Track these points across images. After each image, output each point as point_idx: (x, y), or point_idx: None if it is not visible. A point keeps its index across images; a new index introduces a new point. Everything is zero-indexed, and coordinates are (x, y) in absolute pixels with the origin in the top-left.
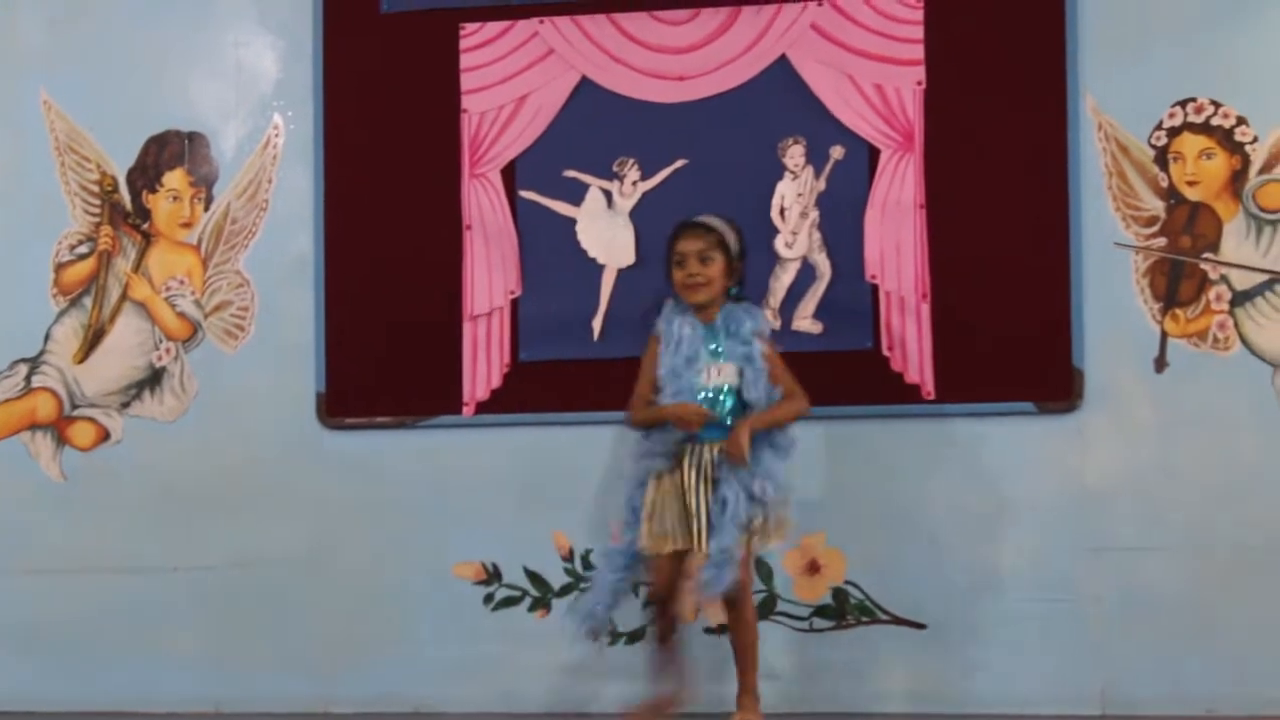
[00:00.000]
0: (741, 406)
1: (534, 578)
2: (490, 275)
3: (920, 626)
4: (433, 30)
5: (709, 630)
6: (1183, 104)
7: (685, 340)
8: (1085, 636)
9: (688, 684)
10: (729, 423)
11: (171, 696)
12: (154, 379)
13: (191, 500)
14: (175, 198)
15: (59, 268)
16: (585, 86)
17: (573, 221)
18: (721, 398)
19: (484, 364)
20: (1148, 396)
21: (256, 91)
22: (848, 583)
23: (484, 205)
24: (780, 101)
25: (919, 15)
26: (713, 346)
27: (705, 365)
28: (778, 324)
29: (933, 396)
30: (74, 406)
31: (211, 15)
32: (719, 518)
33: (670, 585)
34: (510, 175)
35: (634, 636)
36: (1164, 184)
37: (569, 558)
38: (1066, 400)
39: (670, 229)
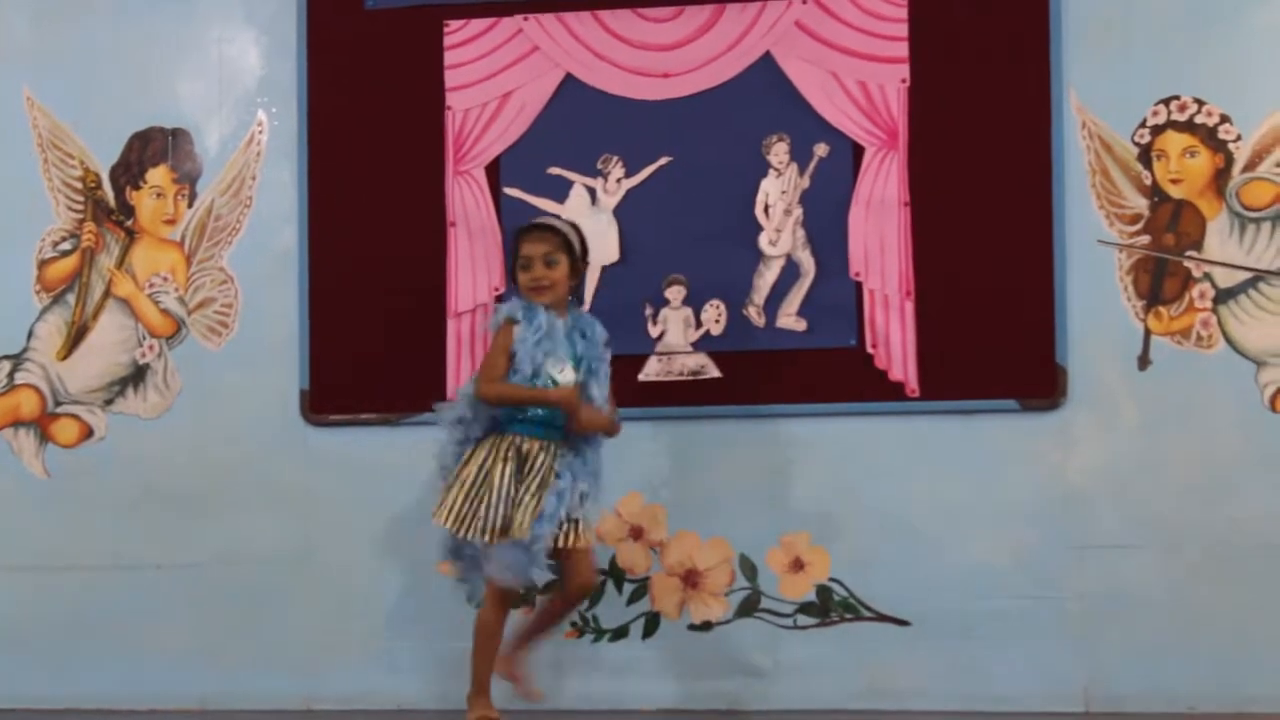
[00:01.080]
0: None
1: None
2: (474, 272)
3: (904, 624)
4: (417, 27)
5: (693, 627)
6: (1166, 102)
7: (550, 335)
8: (1069, 633)
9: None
10: (560, 421)
11: (156, 693)
12: (137, 376)
13: (175, 497)
14: (159, 194)
15: (42, 264)
16: (569, 84)
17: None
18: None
19: (468, 361)
20: (1131, 394)
21: (240, 88)
22: (832, 580)
23: (468, 202)
24: (764, 99)
25: (903, 13)
26: (572, 346)
27: (560, 362)
28: (761, 321)
29: (917, 394)
30: (57, 403)
31: (195, 11)
32: (545, 508)
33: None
34: (494, 172)
35: (617, 634)
36: (1148, 182)
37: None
38: (1050, 398)
39: (516, 232)
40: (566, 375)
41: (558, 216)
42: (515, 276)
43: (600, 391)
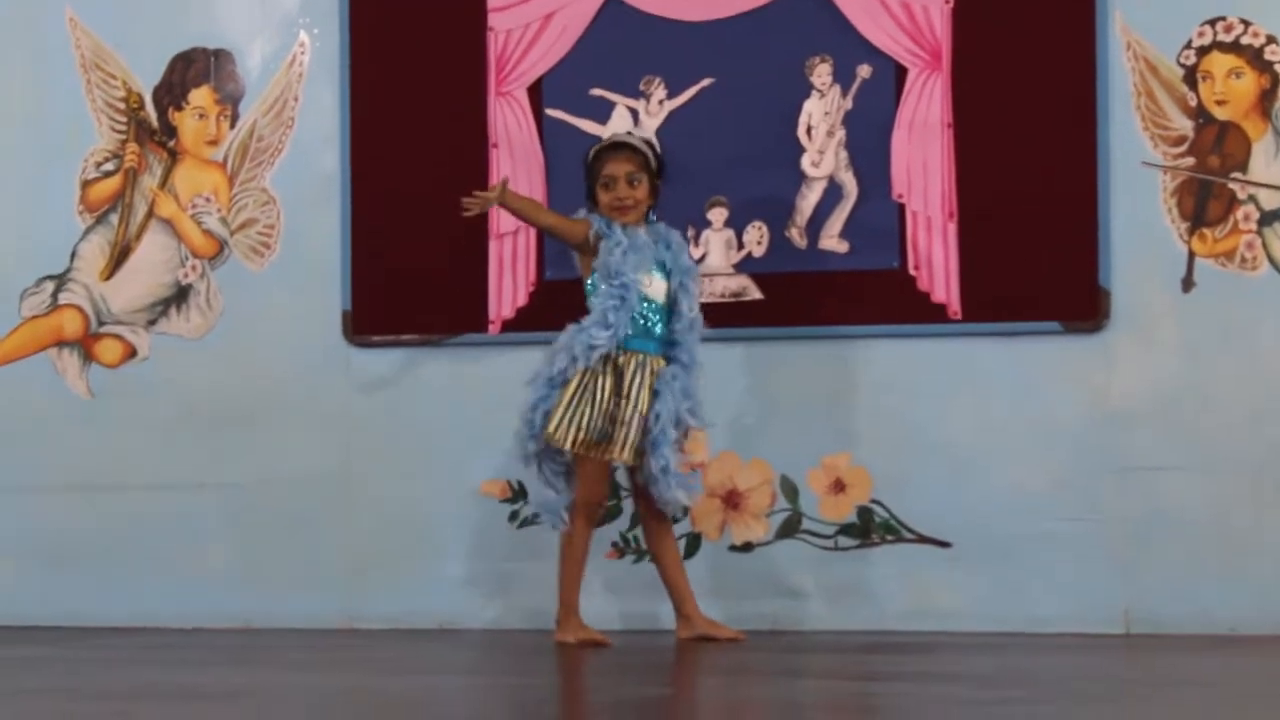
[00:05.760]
0: (668, 320)
1: None
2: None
3: (945, 545)
4: None
5: (734, 549)
6: (1212, 23)
7: (636, 246)
8: (1110, 556)
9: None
10: (661, 334)
11: (200, 612)
12: (180, 296)
13: (218, 417)
14: (201, 115)
15: (85, 185)
16: (611, 4)
17: (599, 140)
18: (654, 310)
19: (510, 283)
20: (1175, 316)
21: (282, 8)
22: (873, 501)
23: (510, 123)
24: (807, 20)
25: None
26: (662, 259)
27: (648, 275)
28: (804, 243)
29: (959, 316)
30: (100, 323)
31: None
32: (653, 432)
33: (606, 489)
34: (536, 93)
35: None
36: (1192, 103)
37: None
38: (1093, 320)
39: (592, 150)
40: (656, 287)
41: (630, 134)
42: (594, 195)
43: (689, 303)
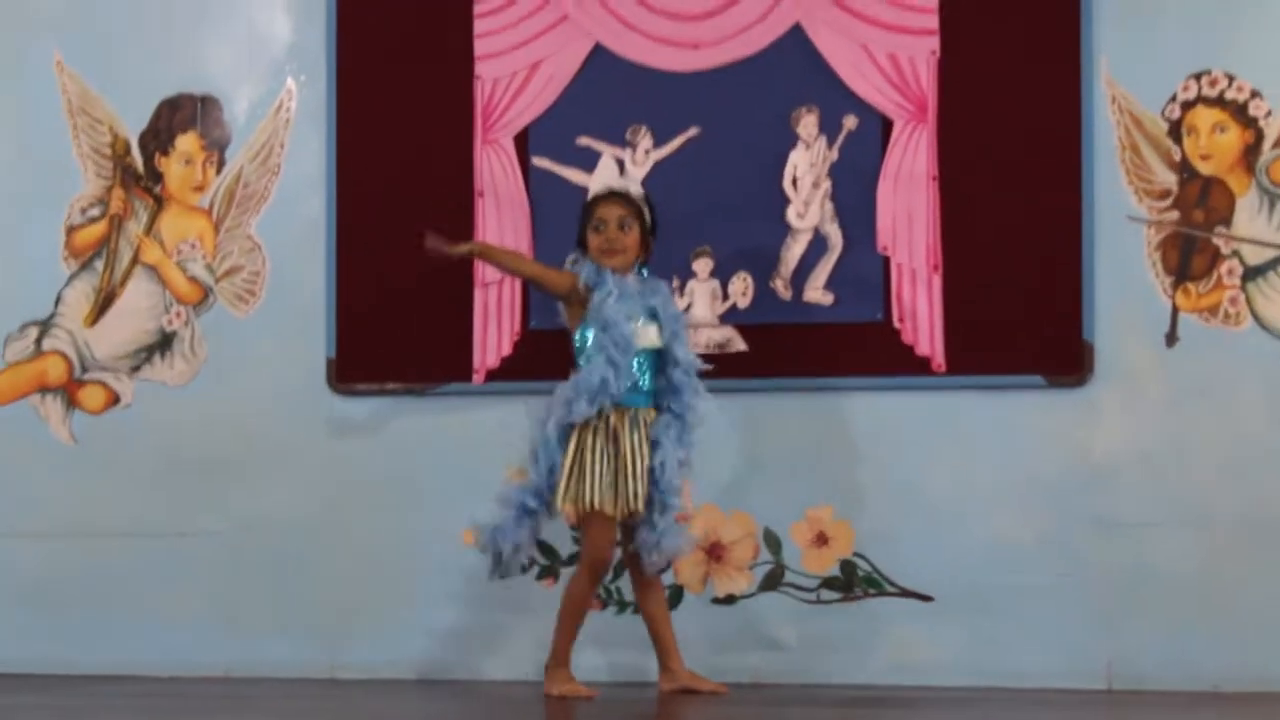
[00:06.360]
0: (657, 371)
1: (543, 546)
2: (502, 242)
3: (928, 599)
4: None
5: (717, 601)
6: (1197, 77)
7: (626, 294)
8: (1092, 611)
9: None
10: (649, 387)
11: (180, 660)
12: (164, 343)
13: (201, 465)
14: (187, 161)
15: (70, 230)
16: (598, 54)
17: (585, 189)
18: (645, 359)
19: (494, 331)
20: (1158, 371)
21: (269, 55)
22: (856, 555)
23: (496, 172)
24: (794, 71)
25: None
26: (649, 306)
27: (638, 324)
28: (788, 295)
29: (943, 369)
30: (84, 369)
31: None
32: (659, 483)
33: (612, 548)
34: (523, 142)
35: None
36: (1177, 157)
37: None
38: (1077, 374)
39: (590, 198)
40: (646, 334)
41: (627, 188)
42: (584, 240)
43: (683, 351)
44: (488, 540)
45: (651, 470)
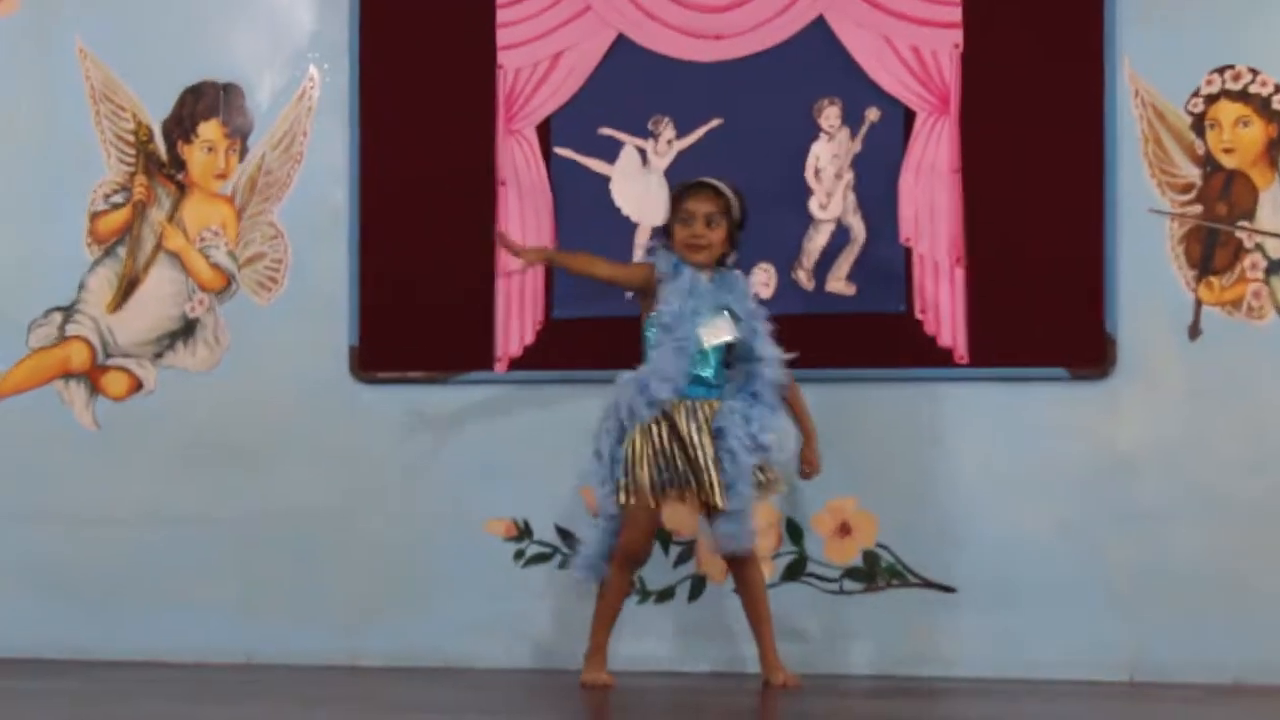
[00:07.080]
0: (726, 366)
1: (564, 535)
2: (524, 231)
3: (950, 590)
4: None
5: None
6: (1220, 71)
7: (697, 291)
8: (1114, 603)
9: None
10: (713, 379)
11: (201, 646)
12: (187, 330)
13: (223, 451)
14: (210, 149)
15: (94, 217)
16: (621, 44)
17: (607, 179)
18: (712, 354)
19: (517, 321)
20: (1181, 364)
21: (292, 43)
22: (879, 545)
23: (519, 161)
24: (816, 62)
25: None
26: (722, 303)
27: (708, 320)
28: (811, 286)
29: (965, 361)
30: (107, 356)
31: None
32: (728, 471)
33: (649, 541)
34: (545, 132)
35: (663, 595)
36: (1200, 151)
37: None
38: (1099, 367)
39: (679, 185)
40: (714, 331)
41: (722, 179)
42: (670, 231)
43: (764, 346)
44: (590, 571)
45: (720, 459)
